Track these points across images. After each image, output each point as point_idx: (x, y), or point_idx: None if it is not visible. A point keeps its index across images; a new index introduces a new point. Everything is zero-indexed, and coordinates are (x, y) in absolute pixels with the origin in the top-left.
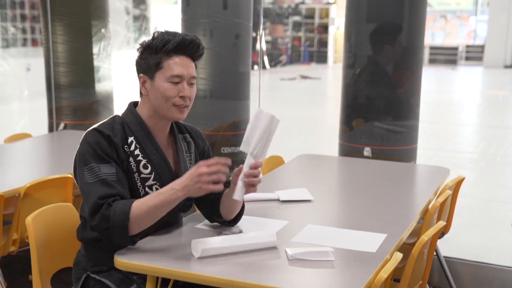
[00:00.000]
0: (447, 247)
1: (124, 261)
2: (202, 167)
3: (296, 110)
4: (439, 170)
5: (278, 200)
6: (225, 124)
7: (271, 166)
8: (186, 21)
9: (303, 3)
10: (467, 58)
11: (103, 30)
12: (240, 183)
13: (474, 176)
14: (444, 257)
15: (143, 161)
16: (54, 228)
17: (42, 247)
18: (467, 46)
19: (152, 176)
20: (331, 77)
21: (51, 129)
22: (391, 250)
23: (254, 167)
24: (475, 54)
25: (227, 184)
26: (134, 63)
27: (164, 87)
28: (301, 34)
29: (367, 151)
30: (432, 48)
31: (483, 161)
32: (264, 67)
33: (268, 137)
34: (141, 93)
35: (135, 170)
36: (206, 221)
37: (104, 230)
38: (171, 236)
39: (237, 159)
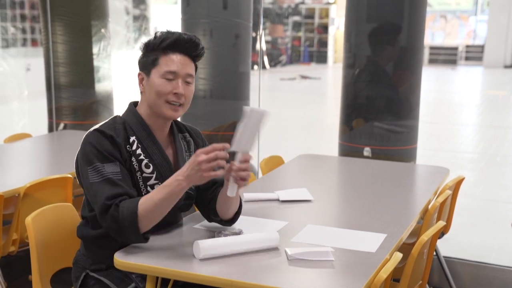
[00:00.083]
0: (447, 247)
1: (124, 261)
2: (200, 155)
3: (296, 110)
4: (439, 170)
5: (278, 200)
6: (225, 124)
7: (271, 166)
8: (186, 21)
9: (303, 3)
10: (467, 58)
11: (103, 30)
12: (232, 179)
13: (474, 176)
14: (444, 257)
15: (145, 161)
16: (54, 228)
17: (42, 247)
18: (467, 46)
19: (154, 175)
20: (331, 77)
21: (51, 129)
22: (391, 250)
23: (243, 160)
24: (475, 54)
25: (222, 182)
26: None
27: (157, 83)
28: (301, 34)
29: (367, 151)
30: (432, 48)
31: (483, 161)
32: (264, 67)
33: (257, 131)
34: (141, 92)
35: (137, 169)
36: (206, 221)
37: (116, 230)
38: (171, 236)
39: None
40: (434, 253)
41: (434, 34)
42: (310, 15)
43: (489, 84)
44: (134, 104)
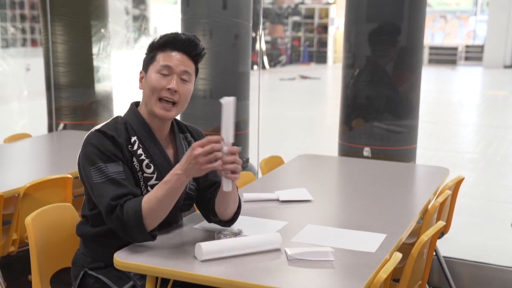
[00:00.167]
0: (446, 247)
1: (123, 261)
2: (196, 148)
3: (295, 110)
4: (438, 170)
5: (278, 200)
6: None
7: (271, 166)
8: (186, 21)
9: (302, 3)
10: (466, 58)
11: (102, 30)
12: (223, 173)
13: (474, 176)
14: (444, 257)
15: (146, 161)
16: (54, 228)
17: (41, 247)
18: (467, 46)
19: (155, 175)
20: (330, 77)
21: (50, 129)
22: (390, 250)
23: (229, 153)
24: (474, 54)
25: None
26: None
27: (152, 78)
28: (300, 34)
29: (366, 151)
30: (431, 48)
31: (482, 161)
32: (263, 67)
33: (230, 120)
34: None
35: (138, 169)
36: (206, 222)
37: (122, 231)
38: (171, 236)
39: None
40: (434, 253)
41: (433, 34)
42: (309, 15)
43: (488, 84)
44: (135, 104)
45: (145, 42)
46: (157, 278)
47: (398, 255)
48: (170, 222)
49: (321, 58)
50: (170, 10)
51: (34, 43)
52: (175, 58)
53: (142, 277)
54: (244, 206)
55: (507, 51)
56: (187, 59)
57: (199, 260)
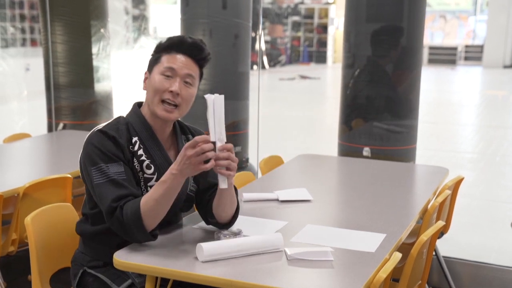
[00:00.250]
0: (446, 247)
1: (123, 261)
2: (188, 149)
3: (295, 110)
4: (438, 170)
5: (278, 200)
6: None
7: (271, 166)
8: (186, 21)
9: (302, 3)
10: (466, 58)
11: (102, 30)
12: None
13: (473, 176)
14: (444, 257)
15: (146, 162)
16: (53, 228)
17: (41, 247)
18: (466, 46)
19: (155, 176)
20: (330, 77)
21: (50, 129)
22: (390, 250)
23: (222, 149)
24: (474, 54)
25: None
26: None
27: (156, 79)
28: (300, 34)
29: (366, 151)
30: (431, 48)
31: (482, 161)
32: (263, 67)
33: (221, 116)
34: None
35: (138, 170)
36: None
37: (123, 232)
38: (171, 236)
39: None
40: (434, 253)
41: (433, 34)
42: (309, 15)
43: (488, 84)
44: (138, 105)
45: (144, 42)
46: (156, 278)
47: (398, 255)
48: (170, 222)
49: (320, 58)
50: (169, 10)
51: (33, 43)
52: (180, 61)
53: (141, 275)
54: (243, 206)
55: (507, 51)
56: (191, 62)
57: (200, 261)
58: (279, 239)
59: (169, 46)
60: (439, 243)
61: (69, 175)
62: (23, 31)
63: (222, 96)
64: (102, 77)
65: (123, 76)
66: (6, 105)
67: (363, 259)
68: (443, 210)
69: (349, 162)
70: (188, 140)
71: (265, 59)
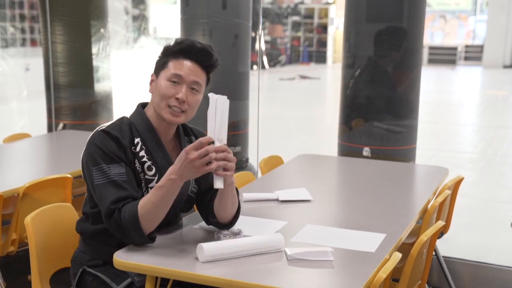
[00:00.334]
0: (446, 247)
1: (123, 261)
2: (191, 152)
3: (295, 110)
4: (438, 170)
5: (277, 200)
6: None
7: (271, 166)
8: (185, 21)
9: (302, 3)
10: (466, 58)
11: (102, 30)
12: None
13: (473, 176)
14: (444, 257)
15: (148, 163)
16: (53, 228)
17: (41, 247)
18: (466, 46)
19: (156, 178)
20: (330, 77)
21: (50, 129)
22: (390, 250)
23: (218, 150)
24: (474, 54)
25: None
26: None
27: (163, 85)
28: (300, 34)
29: (366, 151)
30: (431, 48)
31: (482, 161)
32: (263, 67)
33: (224, 118)
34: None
35: (140, 171)
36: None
37: (121, 235)
38: (171, 236)
39: (237, 159)
40: (434, 253)
41: (433, 34)
42: (309, 15)
43: (488, 84)
44: (142, 106)
45: (144, 42)
46: (156, 278)
47: (398, 255)
48: (170, 223)
49: (320, 58)
50: (169, 10)
51: (33, 43)
52: (186, 67)
53: (140, 274)
54: (243, 206)
55: (507, 51)
56: (199, 69)
57: (200, 261)
58: (280, 239)
59: (177, 51)
60: (439, 243)
61: (69, 175)
62: (23, 31)
63: (227, 99)
64: (102, 77)
65: (123, 76)
66: (6, 105)
67: (363, 259)
68: (443, 210)
69: (349, 162)
70: (191, 141)
71: (265, 59)
